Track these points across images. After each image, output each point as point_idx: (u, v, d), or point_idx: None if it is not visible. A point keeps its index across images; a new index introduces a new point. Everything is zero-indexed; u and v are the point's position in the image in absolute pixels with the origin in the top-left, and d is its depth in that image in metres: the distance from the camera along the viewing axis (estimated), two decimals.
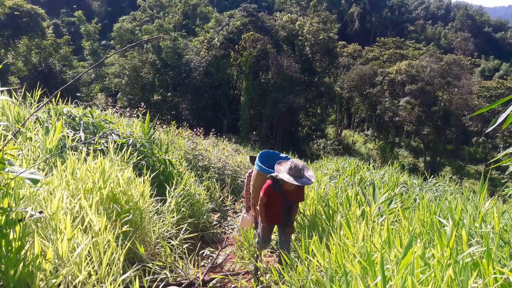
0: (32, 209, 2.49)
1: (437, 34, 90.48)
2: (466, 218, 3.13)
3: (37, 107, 5.05)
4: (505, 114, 2.46)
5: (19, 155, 3.49)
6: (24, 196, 2.76)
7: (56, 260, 2.45)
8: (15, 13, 39.12)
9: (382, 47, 55.35)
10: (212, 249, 4.82)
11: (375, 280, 2.13)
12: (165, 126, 9.33)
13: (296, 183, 3.39)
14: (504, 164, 2.87)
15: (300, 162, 3.54)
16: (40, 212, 2.50)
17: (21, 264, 2.19)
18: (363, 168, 8.75)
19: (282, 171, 3.51)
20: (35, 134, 4.18)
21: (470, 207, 4.07)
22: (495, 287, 2.02)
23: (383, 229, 3.10)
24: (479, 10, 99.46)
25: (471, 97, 38.96)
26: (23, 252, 2.26)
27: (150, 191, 4.08)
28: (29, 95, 5.36)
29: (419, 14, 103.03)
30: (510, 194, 9.06)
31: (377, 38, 64.28)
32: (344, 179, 6.79)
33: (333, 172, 8.00)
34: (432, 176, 9.17)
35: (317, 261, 2.97)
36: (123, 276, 2.64)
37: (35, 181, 2.06)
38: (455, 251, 2.36)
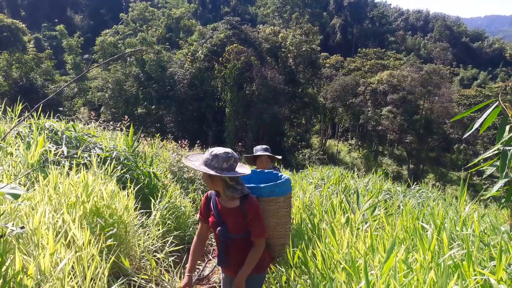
0: (13, 224, 2.45)
1: (417, 45, 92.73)
2: (447, 223, 3.20)
3: (18, 121, 4.98)
4: (481, 120, 2.55)
5: None
6: (4, 211, 2.71)
7: (39, 276, 2.41)
8: None
9: (364, 58, 56.40)
10: (198, 262, 4.78)
11: (359, 285, 2.16)
12: (149, 139, 9.27)
13: (189, 164, 2.32)
14: (481, 169, 2.96)
15: (222, 150, 2.34)
16: (22, 228, 2.45)
17: (1, 281, 2.15)
18: (348, 176, 8.83)
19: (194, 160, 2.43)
20: (16, 149, 4.12)
21: (451, 211, 4.15)
22: None
23: (367, 235, 3.14)
24: (457, 20, 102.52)
25: (451, 105, 39.90)
26: (3, 268, 2.21)
27: (134, 204, 4.04)
28: (9, 110, 5.28)
29: (399, 25, 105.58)
30: (491, 199, 9.26)
31: (359, 49, 65.58)
32: (329, 188, 6.84)
33: (318, 181, 8.06)
34: (416, 183, 9.30)
35: (303, 269, 2.99)
36: None
37: (15, 196, 2.03)
38: (436, 254, 2.41)
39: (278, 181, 2.76)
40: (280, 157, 4.31)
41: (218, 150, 2.31)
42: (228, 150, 2.35)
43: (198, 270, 4.56)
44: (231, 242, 2.41)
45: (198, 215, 2.61)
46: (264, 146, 4.22)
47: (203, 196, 2.71)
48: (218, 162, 2.27)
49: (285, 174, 4.42)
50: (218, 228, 2.39)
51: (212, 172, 2.23)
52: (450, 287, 1.95)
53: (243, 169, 2.39)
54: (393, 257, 2.08)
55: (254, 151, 4.20)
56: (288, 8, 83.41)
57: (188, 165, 2.30)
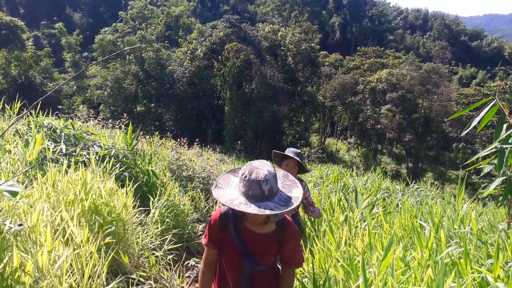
0: (11, 222, 2.45)
1: (416, 43, 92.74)
2: (445, 221, 3.21)
3: (16, 119, 4.98)
4: (478, 118, 2.56)
5: None
6: (2, 209, 2.71)
7: (36, 273, 2.41)
8: None
9: (363, 57, 56.36)
10: (197, 260, 4.78)
11: (356, 283, 2.16)
12: (148, 137, 9.27)
13: (252, 210, 1.67)
14: (479, 167, 2.96)
15: (267, 167, 1.78)
16: (20, 225, 2.45)
17: None
18: (346, 175, 8.85)
19: (226, 188, 1.86)
20: (14, 146, 4.11)
21: (449, 210, 4.16)
22: (473, 285, 2.08)
23: (365, 233, 3.15)
24: (455, 19, 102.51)
25: (450, 104, 39.93)
26: (1, 265, 2.21)
27: (133, 202, 4.04)
28: (8, 108, 5.27)
29: (398, 24, 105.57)
30: (489, 198, 9.28)
31: (358, 48, 65.52)
32: (327, 186, 6.85)
33: (317, 179, 8.07)
34: (414, 181, 9.32)
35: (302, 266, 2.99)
36: None
37: (14, 194, 2.02)
38: (434, 252, 2.42)
39: None
40: (309, 171, 3.82)
41: (261, 169, 1.76)
42: (264, 166, 1.79)
43: (196, 269, 4.56)
44: (258, 276, 1.95)
45: (203, 240, 2.01)
46: (298, 151, 3.76)
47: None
48: (277, 185, 1.80)
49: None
50: (243, 260, 1.91)
51: (291, 208, 1.74)
52: (447, 285, 1.95)
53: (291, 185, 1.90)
54: (391, 254, 2.08)
55: (286, 151, 3.77)
56: (288, 7, 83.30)
57: (262, 212, 1.67)
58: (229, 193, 1.80)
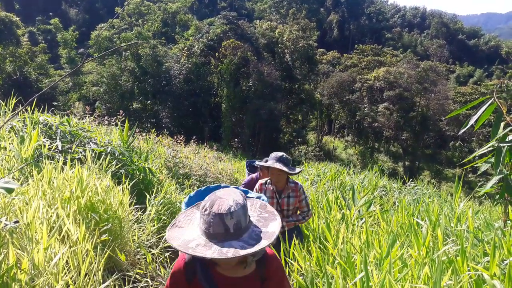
0: (6, 219, 2.43)
1: (413, 41, 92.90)
2: (442, 219, 3.21)
3: (12, 115, 4.94)
4: (476, 117, 2.56)
5: None
6: None
7: (32, 271, 2.40)
8: None
9: (361, 54, 56.38)
10: None
11: (354, 280, 2.16)
12: (144, 134, 9.25)
13: (211, 254, 1.33)
14: (476, 166, 2.97)
15: (233, 196, 1.47)
16: (16, 222, 2.44)
17: None
18: (343, 173, 8.87)
19: (187, 226, 1.51)
20: (9, 143, 4.08)
21: (446, 208, 4.17)
22: (469, 283, 2.08)
23: (362, 231, 3.15)
24: (453, 18, 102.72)
25: (447, 102, 40.02)
26: None
27: (129, 200, 4.03)
28: (3, 104, 5.23)
29: (396, 22, 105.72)
30: (485, 196, 9.32)
31: (356, 46, 65.51)
32: (324, 184, 6.86)
33: (314, 177, 8.08)
34: (411, 180, 9.36)
35: (298, 264, 2.99)
36: (103, 286, 2.60)
37: (9, 190, 2.01)
38: (431, 250, 2.42)
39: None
40: (295, 172, 3.53)
41: (225, 199, 1.44)
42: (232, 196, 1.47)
43: None
44: None
45: None
46: (280, 154, 3.56)
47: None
48: (246, 218, 1.46)
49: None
50: None
51: (263, 245, 1.39)
52: (444, 282, 1.96)
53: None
54: (395, 251, 2.09)
55: (269, 157, 3.63)
56: (285, 4, 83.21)
57: (223, 255, 1.33)
58: (188, 234, 1.44)
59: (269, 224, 1.47)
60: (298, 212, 3.68)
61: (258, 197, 1.94)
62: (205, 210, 1.41)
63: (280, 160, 3.50)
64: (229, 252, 1.32)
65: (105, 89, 37.25)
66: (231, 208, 1.39)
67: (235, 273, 1.59)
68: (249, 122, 34.63)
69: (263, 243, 1.37)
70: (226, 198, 1.43)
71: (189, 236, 1.42)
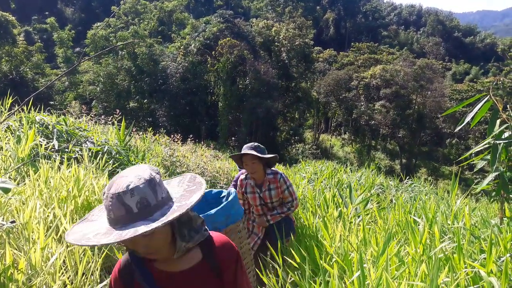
0: (3, 219, 2.42)
1: (409, 39, 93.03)
2: (439, 216, 3.23)
3: (8, 115, 4.93)
4: (472, 114, 2.57)
5: None
6: None
7: (29, 271, 2.39)
8: None
9: (357, 52, 56.43)
10: None
11: (351, 278, 2.17)
12: (141, 133, 9.22)
13: (107, 241, 1.10)
14: (473, 163, 2.98)
15: (137, 171, 1.22)
16: (12, 222, 2.43)
17: None
18: (340, 170, 8.88)
19: (99, 219, 1.26)
20: (6, 143, 4.07)
21: (443, 205, 4.19)
22: (466, 280, 2.09)
23: (359, 229, 3.16)
24: (449, 15, 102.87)
25: (444, 99, 40.14)
26: None
27: None
28: None
29: (392, 19, 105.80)
30: (482, 193, 9.37)
31: (352, 44, 65.51)
32: (321, 182, 6.87)
33: (311, 175, 8.09)
34: (408, 177, 9.38)
35: (296, 262, 3.00)
36: (100, 285, 2.59)
37: (6, 190, 2.00)
38: (428, 247, 2.43)
39: (225, 201, 2.03)
40: (269, 156, 3.38)
41: (125, 176, 1.20)
42: (142, 170, 1.24)
43: None
44: None
45: None
46: (252, 144, 3.40)
47: None
48: (157, 194, 1.21)
49: (279, 169, 3.64)
50: None
51: (159, 224, 1.12)
52: (441, 280, 1.97)
53: (182, 186, 1.35)
54: (392, 248, 2.09)
55: (242, 149, 3.45)
56: (282, 2, 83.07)
57: (114, 239, 1.11)
58: (96, 226, 1.20)
59: (192, 196, 1.24)
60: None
61: (229, 193, 1.79)
62: (104, 193, 1.18)
63: (252, 148, 3.33)
64: (129, 233, 1.09)
65: (101, 88, 37.14)
66: (130, 185, 1.15)
67: (179, 265, 1.37)
68: (246, 120, 34.62)
69: (169, 216, 1.14)
70: (126, 176, 1.20)
71: (94, 228, 1.19)
